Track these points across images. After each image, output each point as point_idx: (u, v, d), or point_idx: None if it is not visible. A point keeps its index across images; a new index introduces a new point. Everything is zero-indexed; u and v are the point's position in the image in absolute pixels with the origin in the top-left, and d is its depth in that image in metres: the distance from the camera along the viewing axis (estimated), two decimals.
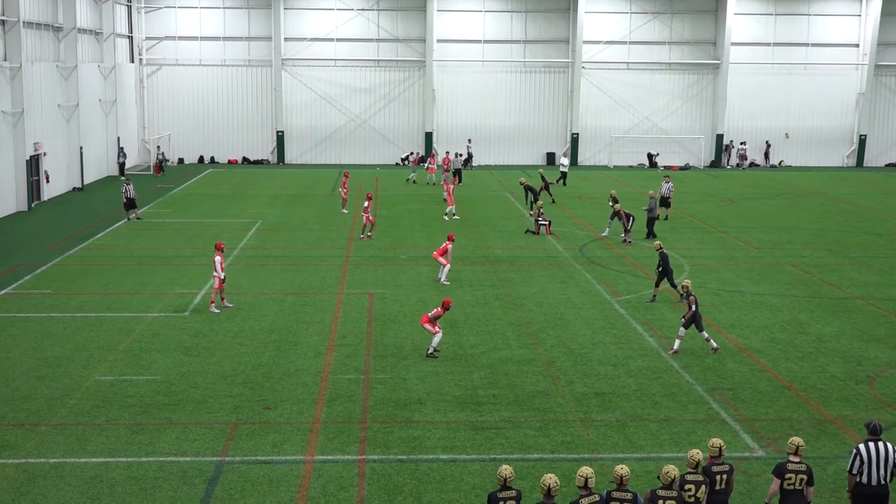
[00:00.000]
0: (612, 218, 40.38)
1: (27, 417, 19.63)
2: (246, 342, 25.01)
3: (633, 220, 39.60)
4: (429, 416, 19.92)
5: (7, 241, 39.28)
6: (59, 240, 39.14)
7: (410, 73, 70.12)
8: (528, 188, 47.97)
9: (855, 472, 14.33)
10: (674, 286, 29.67)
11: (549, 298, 30.02)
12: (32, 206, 47.78)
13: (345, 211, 46.60)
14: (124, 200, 44.06)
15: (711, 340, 24.47)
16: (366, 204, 39.94)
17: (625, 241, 39.18)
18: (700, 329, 24.31)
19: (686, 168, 70.26)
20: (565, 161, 59.57)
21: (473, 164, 68.69)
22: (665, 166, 69.75)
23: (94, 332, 25.67)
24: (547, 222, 41.26)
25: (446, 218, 45.01)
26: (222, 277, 27.76)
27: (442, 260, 31.88)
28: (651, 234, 40.31)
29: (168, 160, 65.46)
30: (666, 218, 45.49)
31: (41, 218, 45.31)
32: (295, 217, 45.51)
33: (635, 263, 35.44)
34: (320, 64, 69.68)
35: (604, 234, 40.73)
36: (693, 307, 24.11)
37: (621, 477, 13.40)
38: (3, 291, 30.28)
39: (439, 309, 24.24)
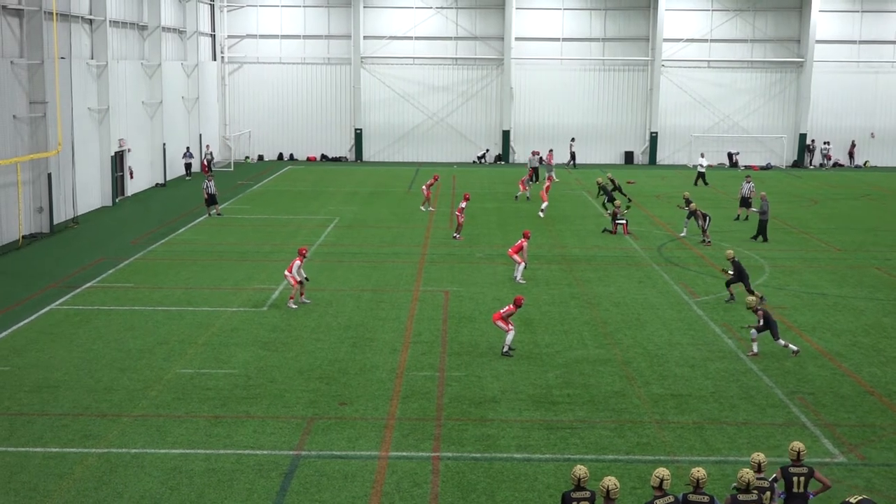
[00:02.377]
0: (688, 218, 39.92)
1: (110, 408, 20.06)
2: (323, 338, 25.23)
3: (710, 219, 39.03)
4: (503, 415, 19.90)
5: (92, 235, 40.20)
6: (142, 234, 39.94)
7: (488, 71, 70.10)
8: (601, 188, 47.74)
9: None
10: (750, 291, 29.21)
11: (626, 298, 29.78)
12: (116, 201, 48.80)
13: (423, 209, 46.66)
14: (205, 196, 44.76)
15: (790, 345, 24.03)
16: (463, 204, 39.94)
17: (703, 241, 38.66)
18: (776, 338, 23.88)
19: (768, 168, 69.10)
20: (704, 161, 58.64)
21: (576, 164, 67.76)
22: (746, 166, 68.67)
23: (174, 325, 26.13)
24: (624, 221, 40.93)
25: (541, 215, 44.83)
26: (299, 279, 27.94)
27: (517, 258, 31.80)
28: (764, 238, 39.29)
29: (213, 160, 63.69)
30: (746, 218, 44.82)
31: (125, 213, 46.26)
32: (372, 214, 45.79)
33: (714, 264, 34.96)
34: (399, 62, 70.02)
35: (682, 235, 40.27)
36: (760, 321, 23.73)
37: (698, 480, 13.26)
38: (88, 284, 30.99)
39: (511, 306, 24.20)
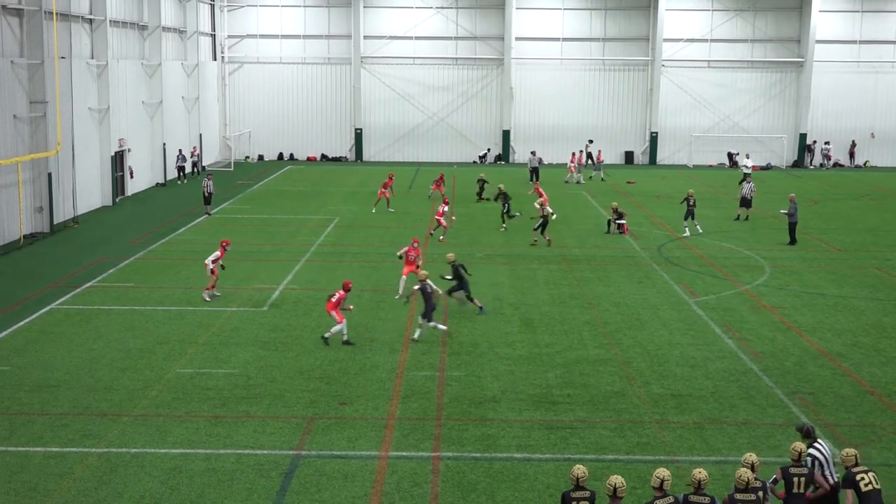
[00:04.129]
0: (685, 218, 40.15)
1: (110, 408, 20.06)
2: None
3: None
4: (503, 415, 19.89)
5: (92, 234, 40.20)
6: (142, 234, 39.93)
7: (488, 71, 70.11)
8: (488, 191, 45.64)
9: (834, 479, 14.38)
10: (469, 298, 27.75)
11: (626, 298, 29.77)
12: (116, 200, 48.80)
13: (374, 210, 46.40)
14: (205, 195, 44.85)
15: (439, 325, 24.80)
16: (444, 208, 39.80)
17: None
18: (429, 319, 24.51)
19: (768, 168, 69.10)
20: (748, 162, 58.43)
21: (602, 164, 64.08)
22: (746, 166, 68.55)
23: (174, 325, 26.13)
24: (623, 221, 40.92)
25: (554, 217, 43.74)
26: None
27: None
28: (792, 240, 38.89)
29: (195, 165, 60.97)
30: (746, 218, 44.84)
31: (125, 213, 46.27)
32: (372, 214, 45.77)
33: (714, 264, 34.97)
34: (399, 62, 70.03)
35: (684, 236, 40.24)
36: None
37: (699, 481, 13.24)
38: (89, 284, 30.99)
39: (342, 292, 24.48)
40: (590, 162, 65.90)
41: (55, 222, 41.11)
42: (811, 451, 14.43)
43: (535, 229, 38.65)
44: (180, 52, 60.94)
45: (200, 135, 63.65)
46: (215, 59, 68.99)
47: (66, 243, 38.30)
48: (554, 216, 41.82)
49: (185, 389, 21.16)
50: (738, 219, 45.04)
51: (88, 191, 46.08)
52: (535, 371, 22.72)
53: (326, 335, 24.61)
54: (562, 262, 35.37)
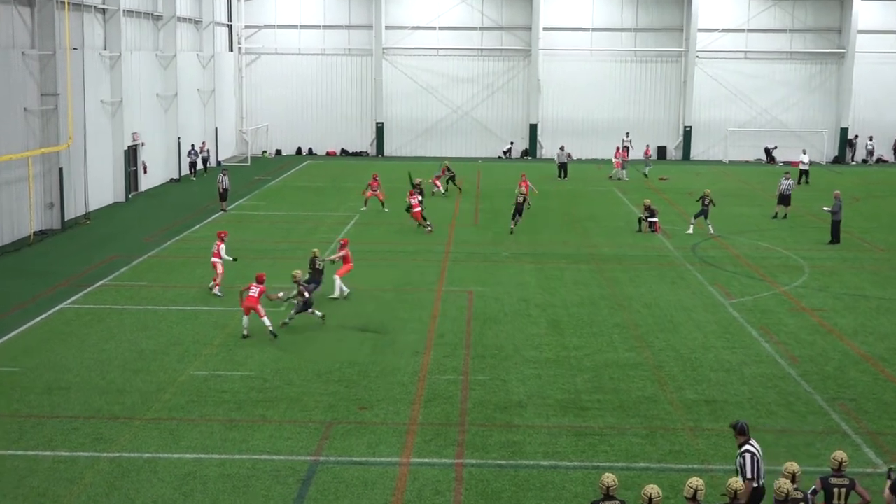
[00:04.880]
0: (696, 216, 40.16)
1: (122, 411, 20.13)
2: (342, 339, 25.24)
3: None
4: (529, 421, 19.83)
5: (105, 231, 40.39)
6: (156, 231, 40.11)
7: (515, 63, 70.00)
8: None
9: (760, 477, 14.42)
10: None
11: (659, 300, 29.64)
12: (130, 196, 49.02)
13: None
14: (220, 191, 45.00)
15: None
16: (418, 197, 40.52)
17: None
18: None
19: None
20: (805, 158, 58.15)
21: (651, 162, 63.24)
22: (785, 162, 68.18)
23: (189, 325, 26.21)
24: (656, 219, 40.76)
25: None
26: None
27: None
28: (836, 239, 38.57)
29: (205, 161, 59.95)
30: (785, 217, 44.56)
31: (138, 209, 46.48)
32: (394, 210, 45.77)
33: (751, 264, 34.77)
34: (422, 53, 70.05)
35: (688, 233, 40.01)
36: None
37: (735, 491, 13.13)
38: (101, 283, 31.13)
39: (260, 286, 25.13)
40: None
41: (66, 219, 41.35)
42: (748, 447, 14.45)
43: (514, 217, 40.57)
44: (196, 42, 61.18)
45: (216, 128, 63.87)
46: (232, 51, 69.23)
47: (77, 240, 38.51)
48: (528, 206, 42.78)
49: (199, 392, 21.21)
50: (776, 217, 44.76)
51: (101, 186, 46.31)
52: (562, 375, 22.64)
53: (272, 329, 25.17)
54: (591, 261, 35.26)
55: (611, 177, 58.73)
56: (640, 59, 69.96)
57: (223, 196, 45.10)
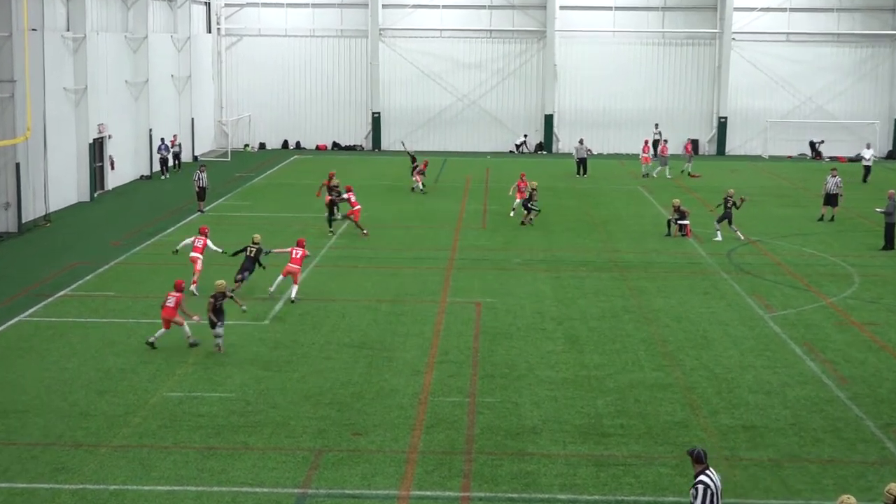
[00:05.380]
0: (719, 220, 40.21)
1: (86, 437, 20.12)
2: (334, 356, 25.23)
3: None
4: (545, 448, 19.82)
5: (66, 235, 40.44)
6: (125, 234, 40.14)
7: (528, 46, 70.06)
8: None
9: None
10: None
11: (690, 312, 29.63)
12: (95, 196, 49.06)
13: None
14: (196, 190, 45.04)
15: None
16: (350, 196, 40.83)
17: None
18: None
19: (858, 160, 68.58)
20: (868, 153, 58.27)
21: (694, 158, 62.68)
22: (831, 157, 68.17)
23: (161, 341, 26.18)
24: (686, 222, 40.74)
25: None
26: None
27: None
28: (890, 244, 38.52)
29: (177, 157, 59.35)
30: (832, 219, 44.52)
31: (104, 210, 46.53)
32: (391, 212, 45.83)
33: (794, 273, 34.75)
34: (424, 35, 70.12)
35: (716, 240, 39.86)
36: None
37: None
38: (62, 293, 31.15)
39: (178, 294, 25.64)
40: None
41: (24, 220, 41.40)
42: (702, 478, 14.44)
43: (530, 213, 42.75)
44: (169, 23, 61.30)
45: (192, 119, 63.96)
46: (210, 32, 69.36)
47: (36, 245, 38.56)
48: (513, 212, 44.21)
49: (173, 416, 21.20)
50: (821, 219, 44.74)
51: (62, 184, 46.31)
52: (581, 397, 22.63)
53: (192, 341, 25.67)
54: (614, 268, 35.25)
55: (644, 174, 58.58)
56: (669, 41, 69.97)
57: (200, 195, 45.15)
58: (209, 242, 32.03)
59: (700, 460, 14.63)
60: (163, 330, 25.63)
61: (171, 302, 25.48)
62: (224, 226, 41.99)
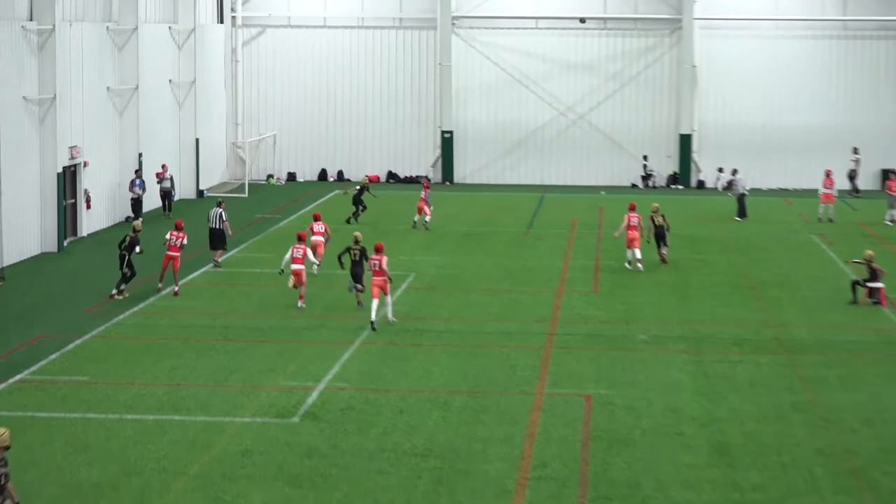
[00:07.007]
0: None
1: None
2: (388, 469, 25.14)
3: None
4: None
5: (27, 297, 40.86)
6: (103, 299, 40.43)
7: (657, 40, 70.16)
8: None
9: None
10: None
11: (885, 412, 29.23)
12: (65, 244, 49.55)
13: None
14: (212, 233, 44.77)
15: None
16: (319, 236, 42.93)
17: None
18: None
19: None
20: None
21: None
22: None
23: (152, 444, 26.25)
24: (881, 284, 40.31)
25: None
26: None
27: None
28: None
29: (168, 194, 59.49)
30: None
31: (77, 263, 47.04)
32: (469, 268, 45.86)
33: None
34: (511, 25, 70.43)
35: None
36: None
37: None
38: (18, 376, 31.37)
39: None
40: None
41: None
42: None
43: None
44: (168, 9, 61.97)
45: (197, 140, 64.32)
46: (222, 22, 70.02)
47: None
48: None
49: None
50: None
51: (21, 228, 46.77)
52: None
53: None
54: (778, 349, 34.98)
55: (819, 219, 58.20)
56: (852, 33, 69.73)
57: (217, 242, 44.84)
58: (308, 252, 35.65)
59: None
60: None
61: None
62: (240, 286, 42.17)
